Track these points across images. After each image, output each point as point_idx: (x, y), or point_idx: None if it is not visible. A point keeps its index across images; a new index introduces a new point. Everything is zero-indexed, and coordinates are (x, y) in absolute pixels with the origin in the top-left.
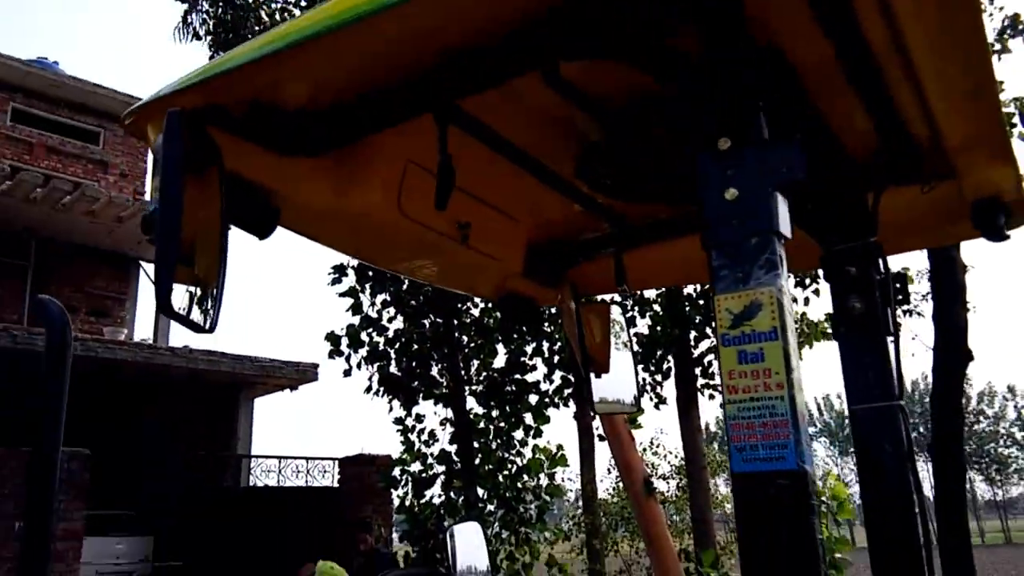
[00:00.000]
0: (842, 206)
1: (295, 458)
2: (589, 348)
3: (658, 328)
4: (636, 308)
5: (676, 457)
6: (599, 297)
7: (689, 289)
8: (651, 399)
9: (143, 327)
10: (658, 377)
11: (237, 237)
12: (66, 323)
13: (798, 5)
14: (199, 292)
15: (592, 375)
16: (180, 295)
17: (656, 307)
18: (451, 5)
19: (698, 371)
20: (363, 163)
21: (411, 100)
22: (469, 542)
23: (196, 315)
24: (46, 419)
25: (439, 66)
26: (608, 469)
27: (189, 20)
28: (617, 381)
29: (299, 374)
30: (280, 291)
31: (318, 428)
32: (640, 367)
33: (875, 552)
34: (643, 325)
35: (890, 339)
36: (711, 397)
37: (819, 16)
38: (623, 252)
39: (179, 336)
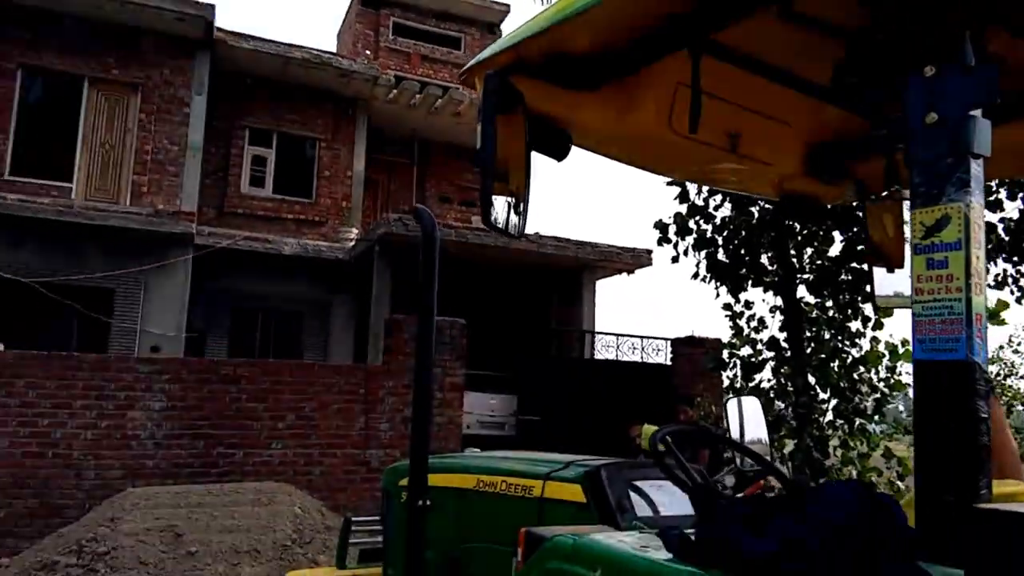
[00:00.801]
0: None
1: (632, 336)
2: (880, 244)
3: None
4: (1003, 189)
5: None
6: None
7: None
8: (1012, 292)
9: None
10: (1022, 268)
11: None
12: (434, 226)
13: None
14: (513, 203)
15: (881, 270)
16: (500, 206)
17: None
18: None
19: None
20: (638, 91)
21: (669, 39)
22: (750, 414)
23: (510, 226)
24: (424, 296)
25: (689, 10)
26: None
27: None
28: (907, 276)
29: (634, 259)
30: (617, 182)
31: (652, 310)
32: (1002, 257)
33: None
34: (1012, 209)
35: None
36: None
37: None
38: (895, 151)
39: (532, 224)
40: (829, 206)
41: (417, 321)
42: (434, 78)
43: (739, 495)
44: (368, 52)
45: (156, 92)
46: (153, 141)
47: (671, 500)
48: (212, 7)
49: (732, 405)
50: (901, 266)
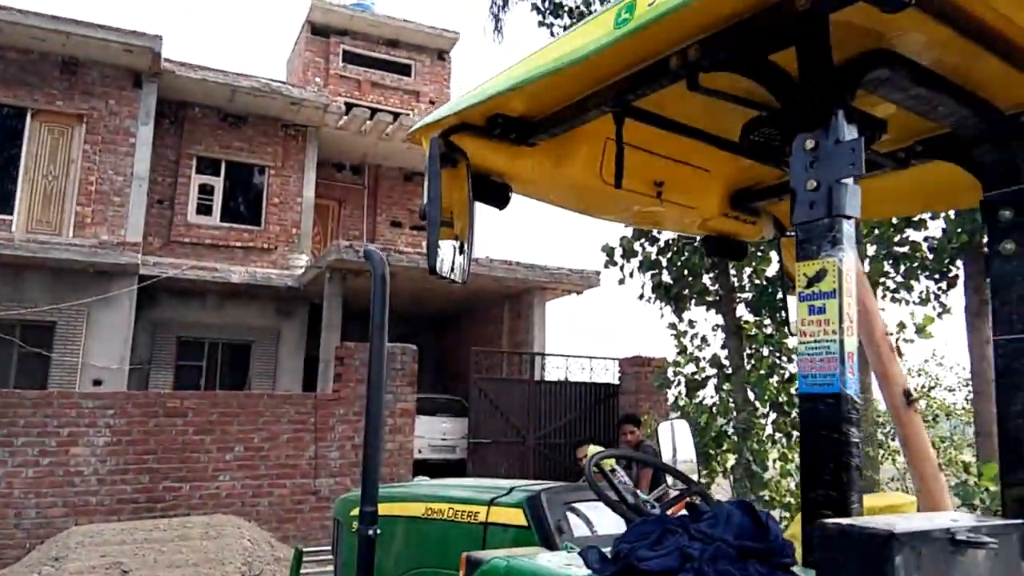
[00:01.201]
0: (1004, 153)
1: (581, 356)
2: (794, 276)
3: (947, 233)
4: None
5: (964, 368)
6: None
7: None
8: (935, 308)
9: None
10: (943, 285)
11: None
12: (385, 266)
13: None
14: (457, 246)
15: (795, 298)
16: (445, 252)
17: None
18: (617, 53)
19: (988, 280)
20: (570, 146)
21: (596, 104)
22: (681, 435)
23: (455, 270)
24: (375, 335)
25: (612, 84)
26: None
27: None
28: None
29: (583, 280)
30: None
31: (600, 330)
32: (925, 275)
33: (1005, 468)
34: (935, 228)
35: None
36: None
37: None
38: None
39: (481, 249)
40: (749, 242)
41: (368, 351)
42: (385, 104)
43: (665, 513)
44: (318, 80)
45: (101, 123)
46: (98, 172)
47: (608, 520)
48: (159, 38)
49: (665, 428)
50: None
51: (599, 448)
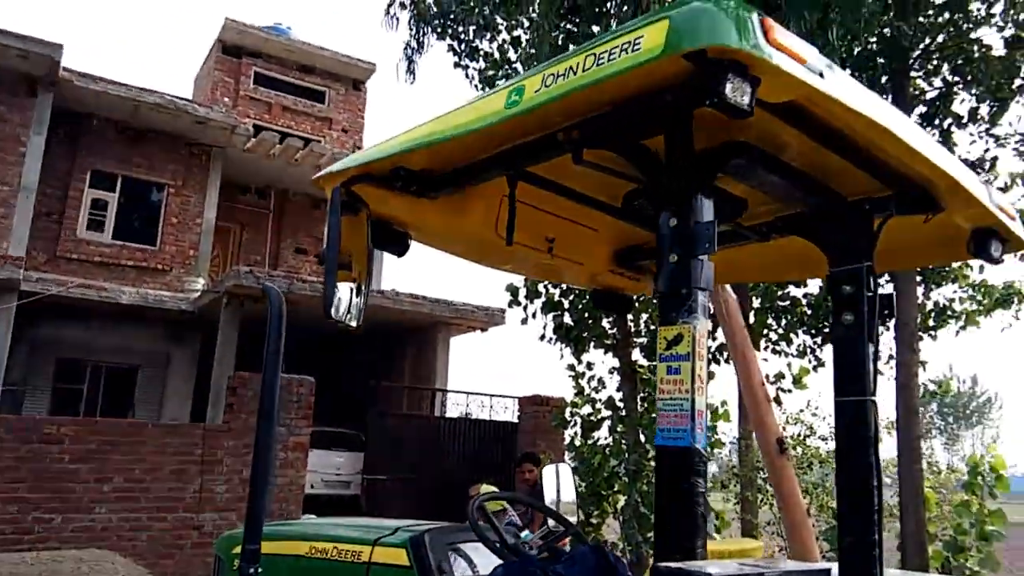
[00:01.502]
0: (850, 231)
1: (481, 394)
2: None
3: (822, 290)
4: None
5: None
6: None
7: None
8: (810, 361)
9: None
10: (819, 340)
11: None
12: (282, 303)
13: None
14: (355, 288)
15: None
16: (343, 294)
17: None
18: (509, 128)
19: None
20: (468, 202)
21: (492, 168)
22: (564, 479)
23: (351, 312)
24: (268, 361)
25: (505, 152)
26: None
27: None
28: None
29: (488, 317)
30: None
31: (502, 368)
32: (802, 329)
33: (841, 515)
34: (814, 285)
35: (871, 347)
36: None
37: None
38: None
39: (388, 281)
40: (634, 297)
41: (261, 382)
42: (296, 129)
43: (537, 554)
44: (227, 100)
45: None
46: None
47: (490, 561)
48: (59, 46)
49: (549, 470)
50: None
51: (491, 488)
